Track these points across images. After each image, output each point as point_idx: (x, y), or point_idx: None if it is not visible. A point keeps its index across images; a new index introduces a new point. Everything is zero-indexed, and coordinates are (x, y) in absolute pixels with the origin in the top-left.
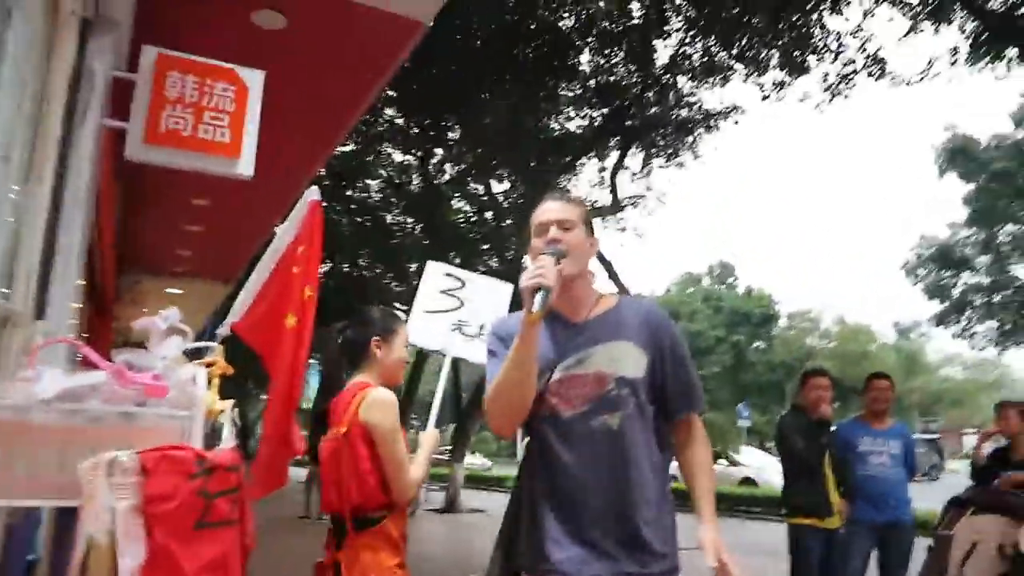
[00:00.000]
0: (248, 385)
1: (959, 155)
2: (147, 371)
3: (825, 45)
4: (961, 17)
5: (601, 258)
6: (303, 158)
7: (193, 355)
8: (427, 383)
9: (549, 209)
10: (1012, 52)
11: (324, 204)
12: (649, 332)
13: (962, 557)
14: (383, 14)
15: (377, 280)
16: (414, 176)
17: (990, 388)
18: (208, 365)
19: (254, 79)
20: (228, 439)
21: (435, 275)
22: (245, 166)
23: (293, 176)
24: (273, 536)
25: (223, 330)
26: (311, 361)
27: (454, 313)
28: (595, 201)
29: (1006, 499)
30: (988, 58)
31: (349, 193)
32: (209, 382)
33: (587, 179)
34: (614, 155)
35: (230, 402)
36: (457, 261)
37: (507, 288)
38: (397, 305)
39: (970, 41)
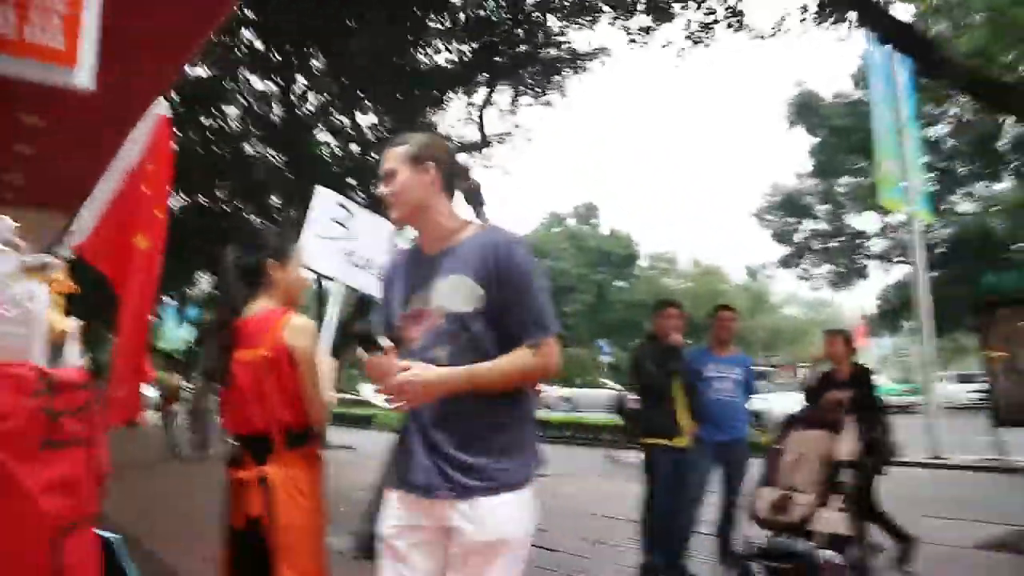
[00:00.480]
0: (100, 328)
1: (805, 110)
2: None
3: None
4: None
5: (467, 197)
6: (153, 71)
7: (33, 271)
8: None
9: (382, 160)
10: (852, 16)
11: (177, 133)
12: (487, 264)
13: (790, 467)
14: None
15: (238, 215)
16: (275, 105)
17: (822, 325)
18: (49, 282)
19: None
20: (74, 358)
21: (325, 201)
22: (83, 76)
23: (143, 91)
24: (149, 477)
25: (65, 252)
26: (165, 298)
27: (345, 242)
28: (462, 137)
29: (827, 416)
30: (832, 19)
31: (206, 122)
32: (52, 300)
33: (455, 115)
34: (482, 92)
35: (75, 321)
36: None
37: (388, 225)
38: None
39: (818, 1)
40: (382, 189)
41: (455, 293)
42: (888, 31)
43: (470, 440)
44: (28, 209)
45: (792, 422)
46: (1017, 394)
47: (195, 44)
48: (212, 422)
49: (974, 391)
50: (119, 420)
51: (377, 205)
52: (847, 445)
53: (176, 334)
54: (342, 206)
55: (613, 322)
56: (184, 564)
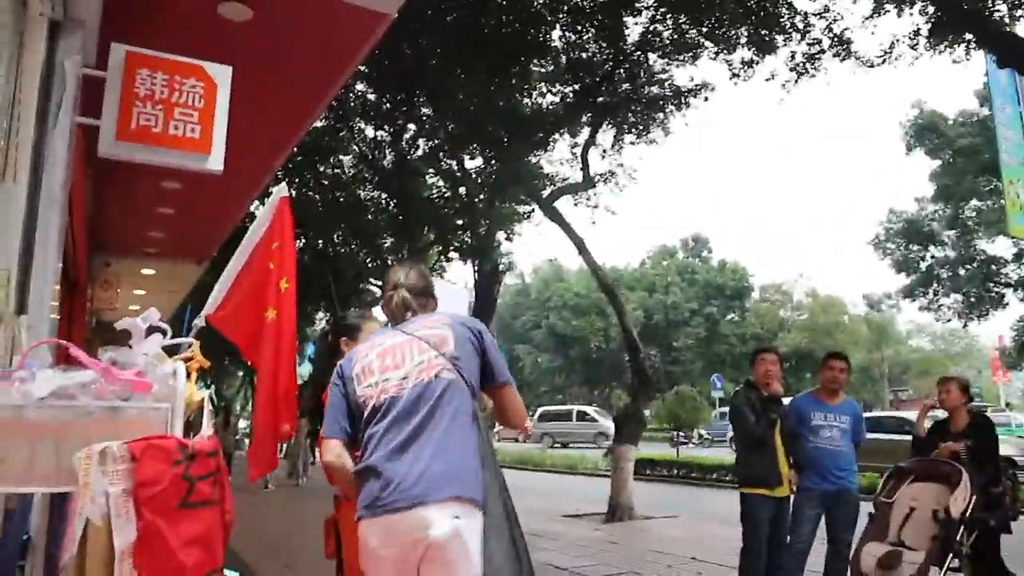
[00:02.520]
0: (225, 362)
1: (926, 131)
2: (131, 367)
3: (792, 25)
4: (922, 1)
5: (572, 236)
6: (272, 143)
7: (172, 350)
8: None
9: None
10: (969, 36)
11: (296, 180)
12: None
13: (901, 521)
14: (349, 6)
15: (351, 256)
16: (387, 151)
17: (957, 358)
18: (186, 360)
19: (222, 75)
20: (206, 428)
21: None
22: (215, 161)
23: (264, 159)
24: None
25: (199, 321)
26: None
27: None
28: (567, 178)
29: (940, 468)
30: (947, 42)
31: (322, 169)
32: (188, 375)
33: (559, 156)
34: (585, 132)
35: (207, 393)
36: (431, 237)
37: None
38: (372, 280)
39: (929, 25)
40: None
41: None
42: (1007, 52)
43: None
44: (166, 259)
45: (902, 473)
46: None
47: (302, 129)
48: (305, 455)
49: None
50: (259, 474)
51: (482, 250)
52: (962, 500)
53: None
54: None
55: (725, 356)
56: None
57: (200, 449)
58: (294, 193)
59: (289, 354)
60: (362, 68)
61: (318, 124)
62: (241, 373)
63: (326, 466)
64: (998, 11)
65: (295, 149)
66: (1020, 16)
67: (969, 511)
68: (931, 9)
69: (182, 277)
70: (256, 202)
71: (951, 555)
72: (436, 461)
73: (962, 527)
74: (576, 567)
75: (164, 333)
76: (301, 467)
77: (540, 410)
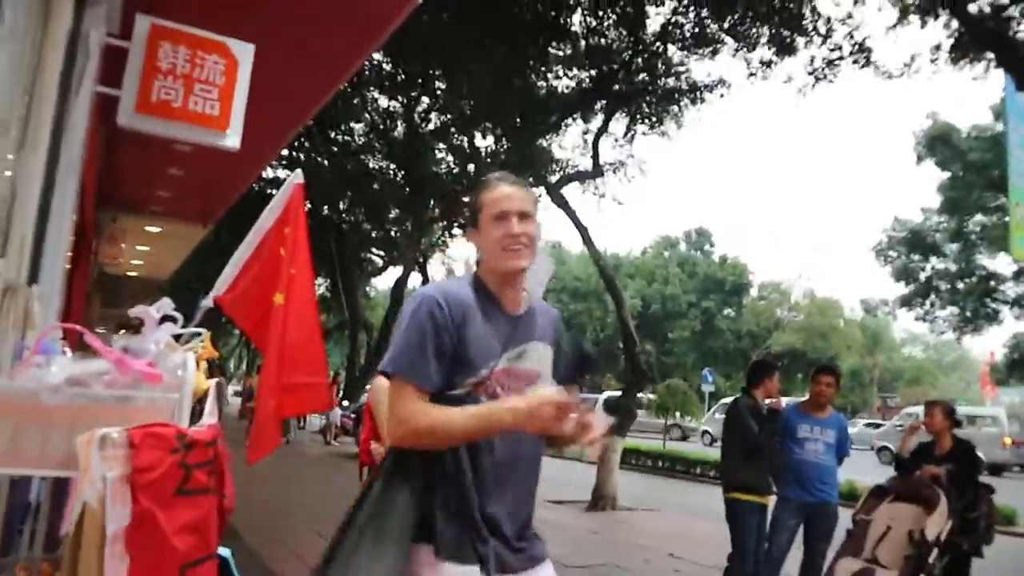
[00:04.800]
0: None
1: (938, 143)
2: (143, 356)
3: (814, 28)
4: (946, 15)
5: (576, 224)
6: (289, 116)
7: (185, 342)
8: None
9: (510, 196)
10: (990, 55)
11: (306, 145)
12: (557, 337)
13: (877, 539)
14: None
15: (356, 225)
16: (399, 123)
17: (948, 369)
18: (196, 350)
19: (244, 52)
20: (209, 415)
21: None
22: (232, 138)
23: (279, 130)
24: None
25: (207, 302)
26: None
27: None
28: (576, 165)
29: (921, 490)
30: (968, 59)
31: (332, 135)
32: (197, 365)
33: (570, 142)
34: (598, 119)
35: (214, 381)
36: (437, 212)
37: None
38: (373, 250)
39: (952, 41)
40: (518, 228)
41: (546, 360)
42: None
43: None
44: (172, 219)
45: (883, 492)
46: None
47: (320, 102)
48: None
49: None
50: (259, 456)
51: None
52: (939, 524)
53: None
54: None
55: (719, 351)
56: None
57: (199, 438)
58: (302, 157)
59: (310, 338)
60: None
61: None
62: (238, 332)
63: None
64: (1020, 32)
65: None
66: None
67: (946, 535)
68: (955, 24)
69: (186, 237)
70: (271, 171)
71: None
72: None
73: (936, 549)
74: (555, 555)
75: (175, 321)
76: (290, 426)
77: None
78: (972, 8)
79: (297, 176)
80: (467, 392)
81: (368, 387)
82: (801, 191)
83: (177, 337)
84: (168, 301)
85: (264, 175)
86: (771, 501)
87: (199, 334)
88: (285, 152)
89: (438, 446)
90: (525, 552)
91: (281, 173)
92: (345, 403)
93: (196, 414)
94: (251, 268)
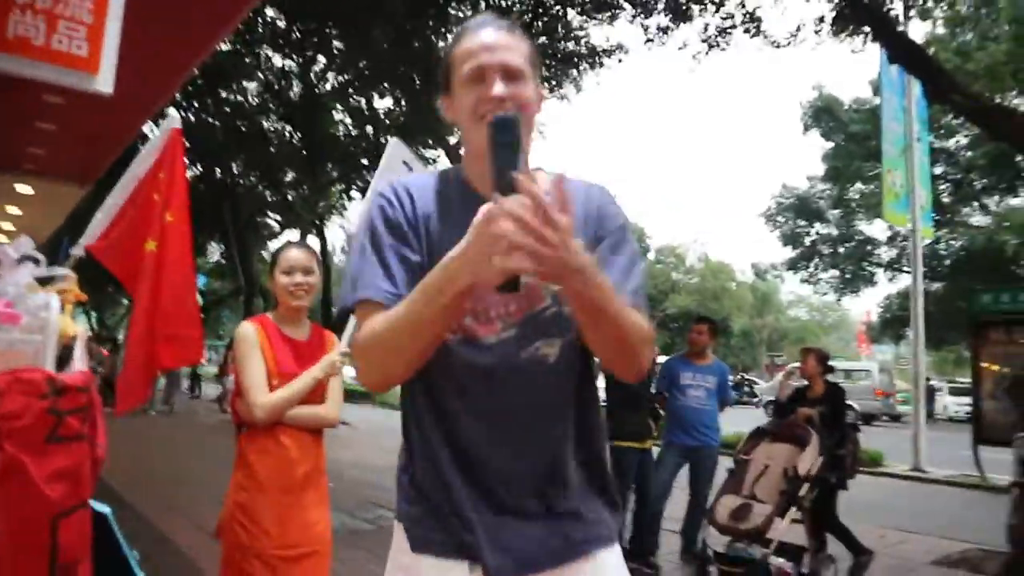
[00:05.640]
0: (110, 290)
1: (823, 114)
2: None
3: None
4: None
5: None
6: (171, 64)
7: (48, 283)
8: None
9: (491, 46)
10: (867, 29)
11: (195, 104)
12: (595, 225)
13: (755, 477)
14: None
15: (251, 188)
16: (294, 83)
17: (829, 329)
18: (61, 292)
19: None
20: (79, 362)
21: (394, 158)
22: (103, 82)
23: (161, 81)
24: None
25: (77, 250)
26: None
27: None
28: None
29: (795, 430)
30: (848, 32)
31: (224, 95)
32: (63, 308)
33: None
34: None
35: (83, 326)
36: (335, 174)
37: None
38: (270, 214)
39: (834, 14)
40: (501, 90)
41: None
42: (899, 51)
43: (567, 472)
44: (47, 179)
45: (761, 434)
46: (1000, 413)
47: (204, 51)
48: (179, 384)
49: (966, 405)
50: (127, 407)
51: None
52: (810, 460)
53: None
54: (407, 163)
55: None
56: (166, 521)
57: (70, 383)
58: (192, 119)
59: (182, 286)
60: None
61: (222, 47)
62: (126, 302)
63: None
64: (894, 10)
65: (195, 71)
66: (912, 17)
67: (816, 470)
68: None
69: (63, 199)
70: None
71: (794, 508)
72: None
73: (807, 484)
74: None
75: (37, 262)
76: (177, 393)
77: None
78: None
79: (174, 120)
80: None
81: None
82: (697, 157)
83: (43, 282)
84: (28, 239)
85: (150, 133)
86: (649, 446)
87: (64, 276)
88: (173, 112)
89: (392, 363)
90: (558, 532)
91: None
92: None
93: (65, 362)
94: (124, 215)
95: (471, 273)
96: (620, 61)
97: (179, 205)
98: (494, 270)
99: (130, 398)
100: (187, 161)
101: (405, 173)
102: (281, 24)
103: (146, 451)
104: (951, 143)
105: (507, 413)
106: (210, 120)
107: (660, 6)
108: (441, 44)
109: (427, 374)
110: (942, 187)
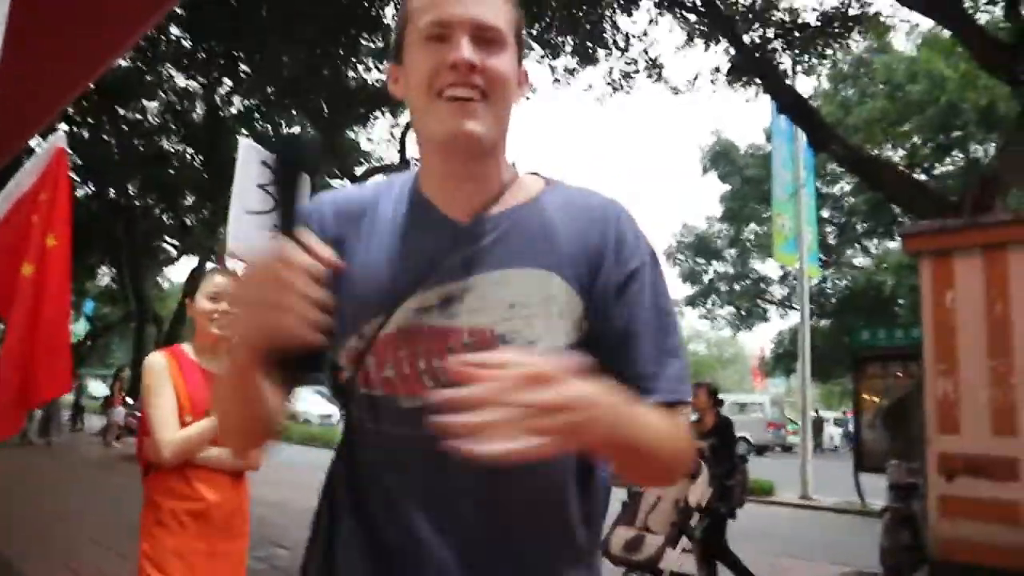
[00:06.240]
0: None
1: (720, 157)
2: None
3: (614, 41)
4: (725, 41)
5: None
6: (62, 80)
7: None
8: None
9: None
10: (759, 80)
11: (91, 121)
12: (593, 251)
13: (648, 508)
14: None
15: (147, 210)
16: (197, 104)
17: (726, 363)
18: None
19: None
20: None
21: (249, 162)
22: None
23: (50, 97)
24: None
25: None
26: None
27: (270, 216)
28: (382, 159)
29: None
30: (741, 82)
31: (123, 113)
32: None
33: (378, 134)
34: (407, 114)
35: None
36: None
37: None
38: (167, 238)
39: (729, 65)
40: (469, 54)
41: (534, 306)
42: (787, 102)
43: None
44: None
45: None
46: (877, 442)
47: (99, 69)
48: (59, 415)
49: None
50: None
51: None
52: (700, 491)
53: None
54: (267, 164)
55: None
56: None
57: None
58: (86, 134)
59: (57, 314)
60: (178, 10)
61: (122, 63)
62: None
63: None
64: (783, 64)
65: (92, 86)
66: (799, 72)
67: (706, 501)
68: (732, 50)
69: None
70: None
71: (686, 538)
72: None
73: (697, 514)
74: None
75: None
76: (56, 425)
77: None
78: (746, 38)
79: (59, 138)
80: (346, 376)
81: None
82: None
83: None
84: None
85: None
86: None
87: None
88: (65, 128)
89: (230, 427)
90: None
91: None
92: (130, 401)
93: None
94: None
95: (239, 331)
96: (527, 99)
97: (62, 228)
98: (255, 331)
99: (3, 426)
100: (78, 179)
101: (268, 176)
102: (186, 44)
103: (18, 488)
104: (836, 189)
105: (442, 509)
106: (105, 138)
107: (567, 48)
108: (351, 73)
109: (348, 436)
110: (828, 230)
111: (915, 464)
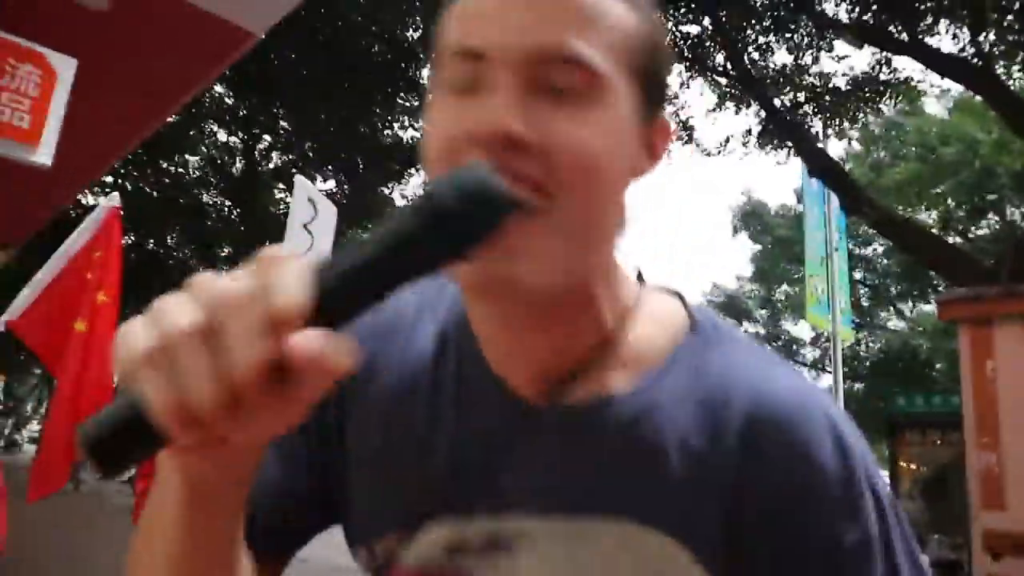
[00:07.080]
0: (19, 356)
1: (751, 218)
2: None
3: None
4: (756, 105)
5: None
6: (112, 139)
7: None
8: None
9: (488, 14)
10: (790, 143)
11: (134, 173)
12: (728, 485)
13: None
14: (214, 18)
15: (184, 262)
16: (237, 159)
17: None
18: None
19: (65, 66)
20: None
21: (301, 200)
22: (44, 154)
23: (100, 153)
24: None
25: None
26: None
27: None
28: None
29: None
30: (772, 145)
31: (164, 165)
32: None
33: (412, 191)
34: None
35: None
36: None
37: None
38: None
39: (760, 128)
40: (502, 118)
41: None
42: (817, 165)
43: None
44: None
45: None
46: (917, 514)
47: (147, 129)
48: None
49: None
50: (41, 494)
51: None
52: None
53: None
54: (312, 201)
55: None
56: None
57: None
58: (129, 186)
59: (103, 370)
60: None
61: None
62: (39, 371)
63: None
64: (814, 127)
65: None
66: (830, 136)
67: None
68: (763, 113)
69: None
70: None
71: None
72: None
73: None
74: None
75: None
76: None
77: None
78: (776, 102)
79: (113, 199)
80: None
81: None
82: (631, 255)
83: None
84: None
85: (85, 202)
86: None
87: None
88: (110, 179)
89: None
90: None
91: (104, 201)
92: None
93: None
94: (52, 292)
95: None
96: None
97: (112, 285)
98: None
99: (46, 484)
100: (119, 278)
101: (310, 212)
102: (229, 100)
103: (37, 539)
104: (869, 250)
105: None
106: (146, 190)
107: None
108: (387, 131)
109: None
110: (861, 292)
111: (958, 539)
